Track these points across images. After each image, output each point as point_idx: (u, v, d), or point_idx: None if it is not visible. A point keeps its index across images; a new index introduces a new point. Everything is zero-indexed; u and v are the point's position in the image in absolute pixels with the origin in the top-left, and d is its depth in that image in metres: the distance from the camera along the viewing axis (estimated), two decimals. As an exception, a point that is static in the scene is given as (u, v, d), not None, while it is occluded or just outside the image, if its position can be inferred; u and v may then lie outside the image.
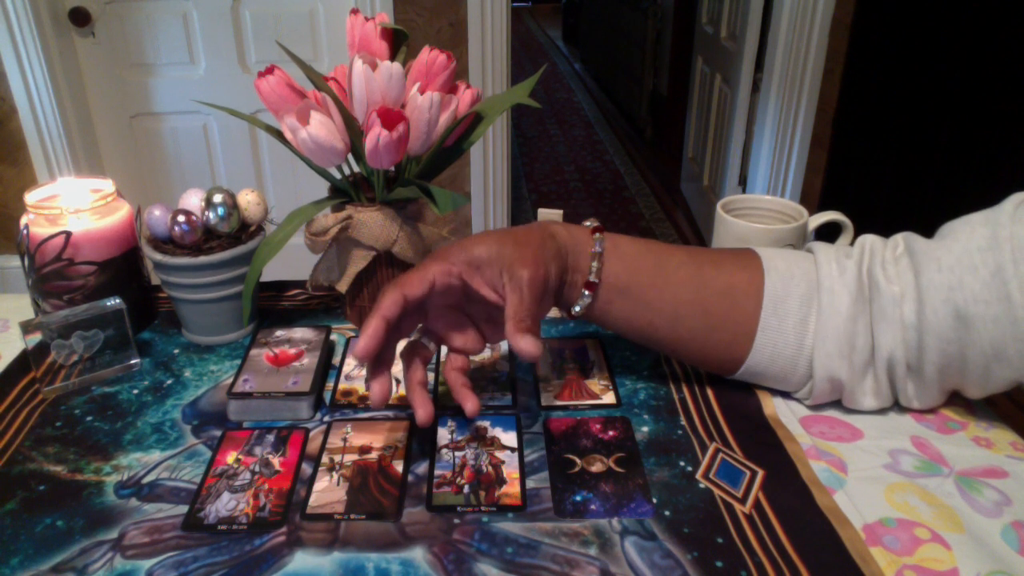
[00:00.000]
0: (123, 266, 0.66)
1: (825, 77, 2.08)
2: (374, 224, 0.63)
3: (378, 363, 0.50)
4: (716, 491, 0.49)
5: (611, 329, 0.57)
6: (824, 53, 2.05)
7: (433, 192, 0.58)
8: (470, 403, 0.52)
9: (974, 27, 1.53)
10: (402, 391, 0.60)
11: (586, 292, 0.53)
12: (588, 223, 0.56)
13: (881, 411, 0.56)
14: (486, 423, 0.56)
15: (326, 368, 0.63)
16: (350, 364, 0.63)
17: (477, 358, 0.64)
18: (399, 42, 0.65)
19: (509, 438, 0.54)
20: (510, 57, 2.11)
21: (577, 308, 0.54)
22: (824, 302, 0.52)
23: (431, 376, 0.62)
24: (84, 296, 0.63)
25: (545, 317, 0.55)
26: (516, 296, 0.50)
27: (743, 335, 0.54)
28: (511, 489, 0.49)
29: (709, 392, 0.59)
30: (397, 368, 0.52)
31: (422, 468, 0.52)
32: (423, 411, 0.50)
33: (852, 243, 0.56)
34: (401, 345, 0.53)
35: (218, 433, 0.55)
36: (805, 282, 0.53)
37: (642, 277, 0.54)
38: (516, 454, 0.53)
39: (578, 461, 0.52)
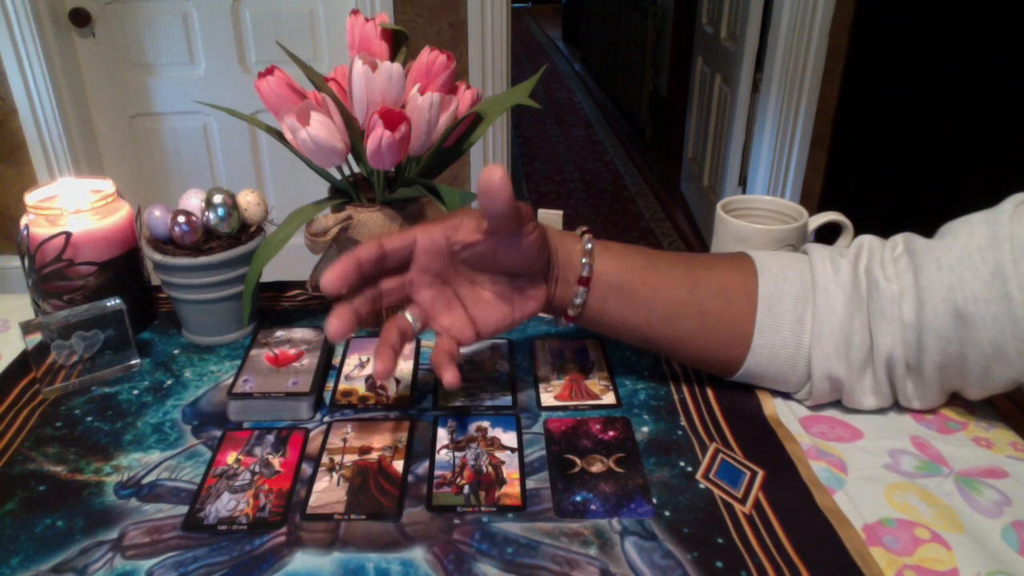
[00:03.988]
0: (123, 266, 0.66)
1: (825, 77, 2.08)
2: (374, 224, 0.63)
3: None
4: (716, 491, 0.49)
5: (608, 333, 0.57)
6: (824, 53, 2.05)
7: (440, 190, 0.58)
8: (448, 373, 0.49)
9: (974, 27, 1.53)
10: (403, 391, 0.60)
11: (580, 288, 0.53)
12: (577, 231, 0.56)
13: (881, 411, 0.56)
14: (486, 423, 0.56)
15: (326, 368, 0.63)
16: (350, 364, 0.63)
17: (475, 356, 0.64)
18: (399, 42, 0.65)
19: (509, 438, 0.54)
20: (510, 57, 2.11)
21: (575, 303, 0.54)
22: (819, 302, 0.52)
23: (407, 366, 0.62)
24: (84, 296, 0.63)
25: (539, 312, 0.54)
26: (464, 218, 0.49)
27: (740, 336, 0.54)
28: (511, 489, 0.49)
29: (709, 392, 0.59)
30: (398, 369, 0.52)
31: (422, 468, 0.52)
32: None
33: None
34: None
35: (218, 433, 0.55)
36: (799, 282, 0.53)
37: (634, 275, 0.54)
38: (516, 454, 0.53)
39: (578, 461, 0.52)
